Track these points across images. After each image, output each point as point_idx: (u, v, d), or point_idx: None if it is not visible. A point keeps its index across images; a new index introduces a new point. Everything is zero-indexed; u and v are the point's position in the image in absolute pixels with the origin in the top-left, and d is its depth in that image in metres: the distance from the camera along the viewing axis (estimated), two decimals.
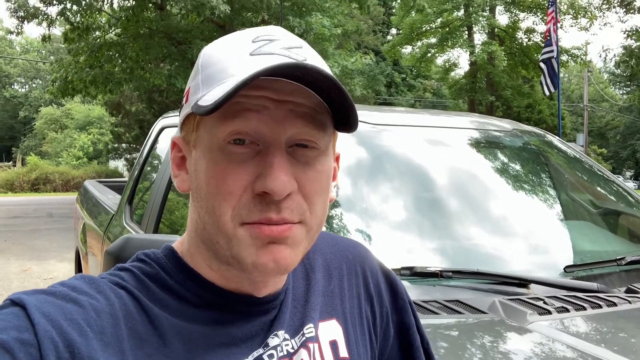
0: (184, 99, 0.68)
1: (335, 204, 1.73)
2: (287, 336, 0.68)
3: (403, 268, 1.42)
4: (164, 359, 0.60)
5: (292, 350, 0.68)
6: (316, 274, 0.76)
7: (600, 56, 35.35)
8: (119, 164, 28.39)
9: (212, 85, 0.61)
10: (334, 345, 0.73)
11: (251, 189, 0.60)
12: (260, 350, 0.65)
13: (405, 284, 1.43)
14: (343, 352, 0.73)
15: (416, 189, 1.82)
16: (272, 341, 0.67)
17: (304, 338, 0.70)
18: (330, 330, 0.73)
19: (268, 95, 0.60)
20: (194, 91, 0.65)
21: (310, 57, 0.64)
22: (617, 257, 1.64)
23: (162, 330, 0.61)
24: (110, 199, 3.59)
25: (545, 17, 11.87)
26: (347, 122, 0.63)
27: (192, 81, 0.67)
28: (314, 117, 0.62)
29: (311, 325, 0.71)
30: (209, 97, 0.59)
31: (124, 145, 26.53)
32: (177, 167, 0.69)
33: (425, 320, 1.24)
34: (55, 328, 0.54)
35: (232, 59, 0.62)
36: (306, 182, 0.62)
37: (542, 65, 11.40)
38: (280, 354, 0.66)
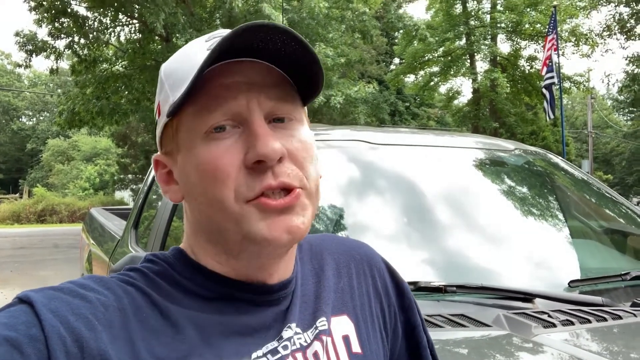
0: (157, 115, 0.69)
1: (340, 222, 1.74)
2: (298, 330, 0.68)
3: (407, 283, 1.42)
4: (180, 346, 0.60)
5: (305, 344, 0.68)
6: (326, 272, 0.77)
7: (602, 82, 35.53)
8: (124, 195, 28.45)
9: (180, 88, 0.63)
10: (346, 340, 0.72)
11: (244, 166, 0.61)
12: (275, 344, 0.65)
13: None
14: (356, 347, 0.73)
15: (420, 207, 1.83)
16: (286, 333, 0.67)
17: (317, 331, 0.70)
18: (342, 326, 0.73)
19: (239, 80, 0.63)
20: (164, 101, 0.67)
21: None
22: (622, 273, 1.63)
23: (175, 320, 0.61)
24: (116, 225, 3.61)
25: (545, 44, 11.97)
26: (312, 82, 0.66)
27: (160, 95, 0.69)
28: (284, 90, 0.65)
29: (324, 318, 0.71)
30: (179, 95, 0.62)
31: (130, 176, 26.61)
32: (166, 182, 0.71)
33: (430, 335, 1.24)
34: (62, 323, 0.55)
35: (191, 60, 0.65)
36: (294, 150, 0.64)
37: (544, 91, 11.47)
38: (294, 347, 0.66)
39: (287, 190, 0.62)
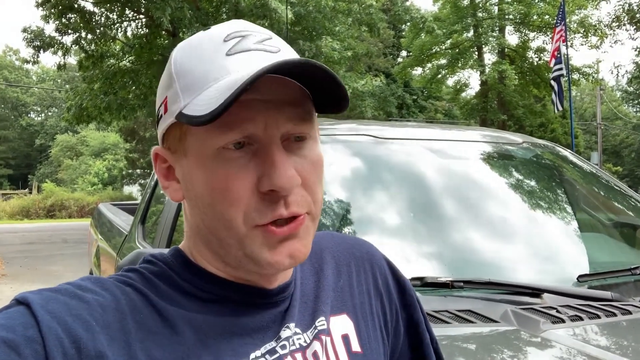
0: (162, 109, 0.66)
1: (346, 217, 1.73)
2: (298, 330, 0.68)
3: (413, 278, 1.40)
4: (177, 347, 0.60)
5: (304, 344, 0.67)
6: (325, 271, 0.76)
7: (612, 73, 35.33)
8: (133, 190, 28.58)
9: (195, 93, 0.61)
10: (345, 339, 0.72)
11: (257, 190, 0.60)
12: (273, 344, 0.65)
13: None
14: (355, 346, 0.72)
15: (426, 202, 1.82)
16: (284, 333, 0.66)
17: (316, 330, 0.69)
18: (341, 325, 0.73)
19: (258, 97, 0.59)
20: (173, 100, 0.63)
21: (282, 46, 0.65)
22: (632, 267, 1.61)
23: (172, 321, 0.61)
24: (123, 221, 3.62)
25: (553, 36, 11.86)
26: (336, 101, 0.63)
27: (168, 90, 0.65)
28: (303, 109, 0.62)
29: (323, 318, 0.71)
30: (199, 106, 0.59)
31: (138, 170, 26.74)
32: (165, 178, 0.69)
33: (437, 331, 1.23)
34: (60, 324, 0.55)
35: (210, 62, 0.62)
36: (306, 175, 0.63)
37: (552, 83, 11.39)
38: (292, 347, 0.66)
39: (293, 216, 0.62)
